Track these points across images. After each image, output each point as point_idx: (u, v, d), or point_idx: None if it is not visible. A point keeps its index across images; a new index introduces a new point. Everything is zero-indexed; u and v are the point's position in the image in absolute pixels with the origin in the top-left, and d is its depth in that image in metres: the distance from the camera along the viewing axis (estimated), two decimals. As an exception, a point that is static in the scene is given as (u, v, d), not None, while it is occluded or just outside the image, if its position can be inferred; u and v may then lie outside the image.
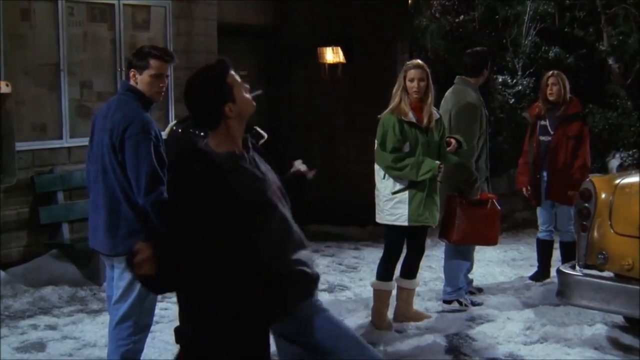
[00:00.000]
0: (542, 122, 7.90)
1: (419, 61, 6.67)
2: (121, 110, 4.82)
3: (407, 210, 6.36)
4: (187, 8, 9.52)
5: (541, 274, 8.09)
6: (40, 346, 6.33)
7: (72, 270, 7.96)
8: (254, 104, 3.63)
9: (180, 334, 3.56)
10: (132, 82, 4.93)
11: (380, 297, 6.61)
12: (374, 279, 6.74)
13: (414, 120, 6.39)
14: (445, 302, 7.25)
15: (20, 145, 7.91)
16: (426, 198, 6.39)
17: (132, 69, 4.93)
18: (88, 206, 5.14)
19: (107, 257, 5.03)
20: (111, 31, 8.82)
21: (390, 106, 6.47)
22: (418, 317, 6.82)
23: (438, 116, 6.58)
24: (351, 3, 10.95)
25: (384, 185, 6.46)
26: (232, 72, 3.54)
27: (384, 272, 6.60)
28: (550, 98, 7.81)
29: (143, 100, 4.89)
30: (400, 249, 6.63)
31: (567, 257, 7.64)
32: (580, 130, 7.79)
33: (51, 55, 8.32)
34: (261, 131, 5.52)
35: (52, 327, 6.76)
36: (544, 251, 8.11)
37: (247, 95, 3.57)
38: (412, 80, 6.39)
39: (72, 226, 8.38)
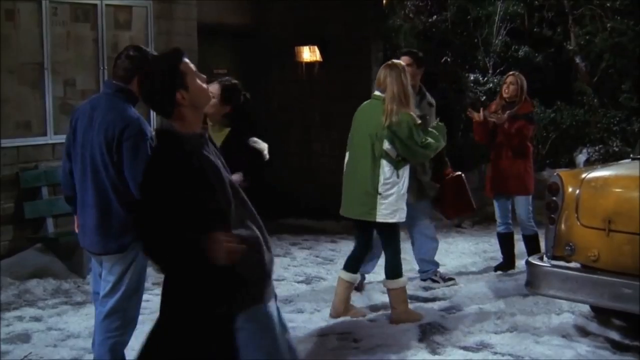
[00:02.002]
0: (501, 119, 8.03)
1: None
2: (115, 111, 4.81)
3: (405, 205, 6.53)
4: (168, 8, 9.54)
5: (505, 264, 8.29)
6: (25, 337, 6.34)
7: (56, 264, 7.99)
8: (211, 95, 3.60)
9: None
10: (134, 84, 4.86)
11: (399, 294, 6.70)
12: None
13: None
14: (425, 280, 7.72)
15: (5, 142, 7.97)
16: None
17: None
18: (70, 205, 5.20)
19: (97, 255, 5.05)
20: (94, 31, 8.82)
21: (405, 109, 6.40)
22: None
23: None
24: (327, 4, 10.98)
25: (401, 182, 6.46)
26: (187, 61, 3.49)
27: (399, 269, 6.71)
28: (505, 95, 8.04)
29: (132, 100, 4.89)
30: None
31: (531, 250, 7.90)
32: (522, 128, 7.93)
33: (35, 54, 8.32)
34: (259, 145, 5.62)
35: (37, 319, 6.79)
36: (504, 243, 8.29)
37: (203, 85, 3.52)
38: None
39: (56, 220, 8.40)
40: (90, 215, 4.92)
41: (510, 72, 8.34)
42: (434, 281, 7.73)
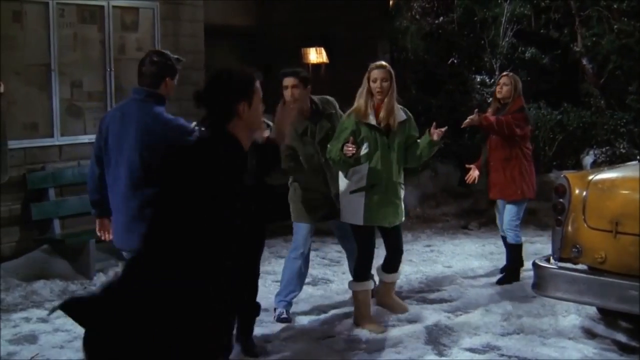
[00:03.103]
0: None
1: (383, 62, 6.59)
2: (150, 115, 5.02)
3: (362, 211, 6.32)
4: (175, 10, 9.59)
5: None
6: (32, 338, 6.36)
7: (63, 265, 8.02)
8: (264, 126, 3.71)
9: None
10: (162, 88, 5.12)
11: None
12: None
13: (374, 122, 6.31)
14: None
15: (13, 144, 7.88)
16: (383, 199, 6.37)
17: (167, 77, 5.12)
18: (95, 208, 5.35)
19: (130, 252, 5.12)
20: (100, 32, 8.87)
21: (352, 107, 6.42)
22: (396, 307, 6.91)
23: (404, 117, 6.47)
24: (333, 5, 11.00)
25: (344, 183, 6.40)
26: (259, 84, 3.58)
27: (362, 272, 6.54)
28: (498, 96, 7.88)
29: (162, 103, 5.11)
30: (372, 247, 6.56)
31: (511, 259, 7.86)
32: (510, 120, 7.68)
33: (42, 55, 8.36)
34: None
35: (44, 320, 6.75)
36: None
37: (261, 112, 3.60)
38: (374, 80, 6.32)
39: (63, 222, 8.45)
40: (124, 216, 5.07)
41: (504, 73, 8.20)
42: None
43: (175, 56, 5.32)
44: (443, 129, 6.35)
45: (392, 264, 6.80)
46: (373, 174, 6.32)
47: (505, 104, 7.83)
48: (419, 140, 6.52)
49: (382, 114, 6.33)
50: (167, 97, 5.18)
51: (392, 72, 6.41)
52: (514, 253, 7.86)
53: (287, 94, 6.49)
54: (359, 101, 6.37)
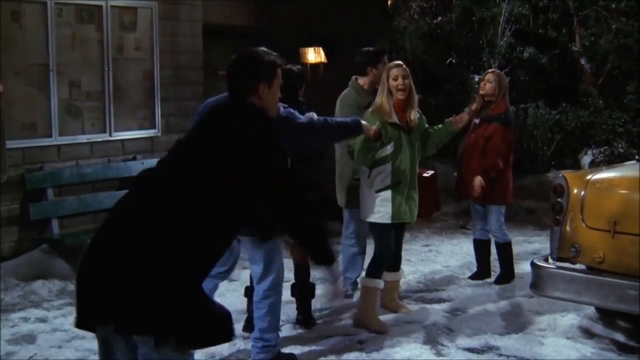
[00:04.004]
0: (475, 120, 7.78)
1: (399, 61, 6.68)
2: None
3: (390, 208, 6.36)
4: (173, 9, 9.57)
5: (479, 273, 8.03)
6: (30, 338, 6.34)
7: (61, 265, 8.00)
8: (278, 110, 3.78)
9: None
10: None
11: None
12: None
13: (397, 121, 6.37)
14: None
15: (11, 143, 7.96)
16: (407, 195, 6.43)
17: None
18: None
19: None
20: (99, 32, 8.84)
21: (372, 107, 6.47)
22: (397, 308, 6.93)
23: (419, 115, 6.57)
24: (332, 4, 11.00)
25: (370, 182, 6.42)
26: (280, 71, 3.74)
27: (375, 270, 6.55)
28: (481, 92, 7.75)
29: None
30: (393, 245, 6.56)
31: (502, 258, 7.81)
32: (495, 131, 7.60)
33: (41, 55, 8.33)
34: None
35: (42, 320, 6.79)
36: (479, 251, 8.05)
37: (277, 97, 3.75)
38: (395, 78, 6.36)
39: (61, 222, 8.44)
40: None
41: (490, 70, 8.08)
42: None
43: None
44: (464, 114, 6.67)
45: (397, 261, 6.87)
46: (398, 171, 6.38)
47: (489, 101, 7.71)
48: (431, 130, 6.67)
49: (409, 112, 6.43)
50: None
51: (408, 70, 6.53)
52: (506, 252, 7.81)
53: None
54: (381, 100, 6.40)
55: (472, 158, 7.70)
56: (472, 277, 8.05)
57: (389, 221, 6.40)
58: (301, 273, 6.55)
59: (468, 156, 7.77)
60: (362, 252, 7.38)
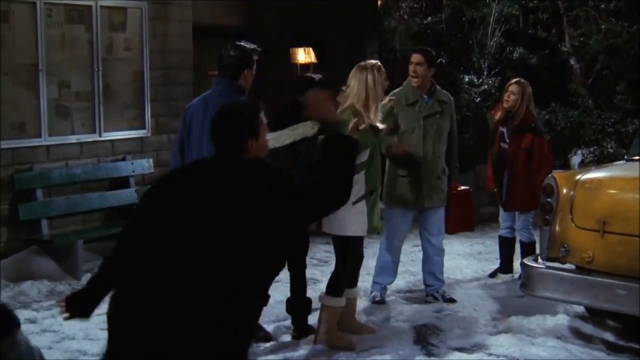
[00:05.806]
0: (501, 129, 7.80)
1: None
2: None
3: (365, 221, 6.01)
4: (163, 10, 9.55)
5: (502, 269, 8.12)
6: (20, 339, 6.41)
7: (51, 266, 7.98)
8: (268, 148, 3.73)
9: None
10: (242, 79, 5.47)
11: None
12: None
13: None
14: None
15: (0, 144, 7.97)
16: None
17: (246, 69, 5.52)
18: None
19: None
20: (88, 32, 8.81)
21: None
22: (361, 329, 6.45)
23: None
24: (322, 5, 11.00)
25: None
26: (262, 114, 3.65)
27: (339, 287, 6.14)
28: (505, 105, 7.71)
29: (242, 93, 5.42)
30: (362, 253, 6.31)
31: (525, 255, 7.88)
32: (532, 142, 7.64)
33: (30, 55, 8.30)
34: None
35: (31, 321, 6.74)
36: (505, 248, 8.11)
37: (266, 139, 3.68)
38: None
39: (51, 222, 8.41)
40: None
41: (514, 80, 7.90)
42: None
43: (252, 46, 5.70)
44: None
45: (356, 273, 6.43)
46: (371, 180, 6.07)
47: (514, 112, 7.67)
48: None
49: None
50: (247, 88, 5.51)
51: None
52: (530, 251, 7.62)
53: (411, 69, 7.04)
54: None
55: (516, 170, 7.69)
56: (492, 275, 8.12)
57: (364, 234, 6.14)
58: (297, 288, 6.36)
59: (511, 169, 7.72)
60: (397, 260, 7.41)
